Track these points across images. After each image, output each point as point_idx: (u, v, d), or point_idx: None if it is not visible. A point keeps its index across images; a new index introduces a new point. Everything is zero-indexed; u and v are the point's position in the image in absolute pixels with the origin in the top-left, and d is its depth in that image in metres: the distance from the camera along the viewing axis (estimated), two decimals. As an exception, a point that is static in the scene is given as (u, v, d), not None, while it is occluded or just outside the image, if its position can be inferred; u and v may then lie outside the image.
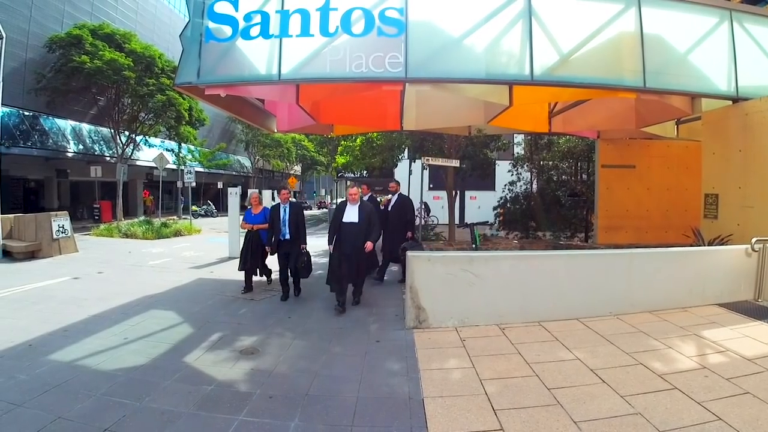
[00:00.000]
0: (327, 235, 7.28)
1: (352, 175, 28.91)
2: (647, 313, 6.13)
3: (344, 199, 7.66)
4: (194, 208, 29.63)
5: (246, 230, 8.15)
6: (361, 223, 6.76)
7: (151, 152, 25.12)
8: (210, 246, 15.05)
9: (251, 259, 7.96)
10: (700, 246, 7.86)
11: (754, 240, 6.61)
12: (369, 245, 6.80)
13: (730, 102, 7.85)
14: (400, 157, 18.22)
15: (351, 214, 6.85)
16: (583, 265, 6.37)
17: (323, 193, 66.07)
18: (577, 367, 4.49)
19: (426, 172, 16.48)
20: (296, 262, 7.34)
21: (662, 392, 3.87)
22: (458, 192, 17.56)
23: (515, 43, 6.92)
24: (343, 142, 21.15)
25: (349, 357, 4.95)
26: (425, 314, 5.79)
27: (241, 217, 8.77)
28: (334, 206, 9.44)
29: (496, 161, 19.13)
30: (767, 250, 6.67)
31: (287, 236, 7.41)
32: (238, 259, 8.28)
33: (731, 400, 3.68)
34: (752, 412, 3.48)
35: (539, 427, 3.38)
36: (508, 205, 16.73)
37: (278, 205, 7.55)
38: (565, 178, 17.31)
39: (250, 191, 9.65)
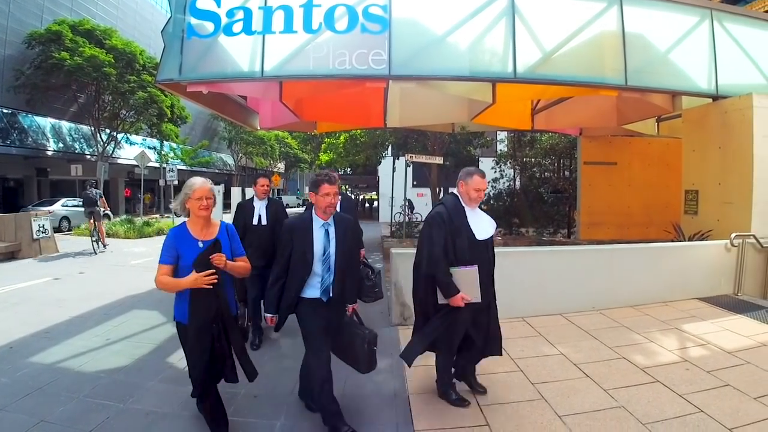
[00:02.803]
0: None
1: (336, 173, 28.80)
2: (629, 308, 6.22)
3: (444, 196, 4.24)
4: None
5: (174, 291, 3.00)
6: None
7: (133, 150, 24.68)
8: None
9: (212, 363, 3.06)
10: (680, 241, 8.00)
11: (733, 235, 6.75)
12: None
13: (710, 100, 7.98)
14: (383, 154, 18.22)
15: (484, 227, 3.63)
16: (566, 260, 6.44)
17: (307, 191, 65.25)
18: (561, 362, 4.54)
19: (410, 169, 16.49)
20: (352, 345, 3.45)
21: (644, 385, 3.94)
22: (442, 189, 17.61)
23: (498, 40, 6.95)
24: (326, 139, 21.11)
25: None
26: (410, 311, 5.77)
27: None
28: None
29: (480, 158, 19.23)
30: (746, 246, 6.81)
31: (331, 293, 3.28)
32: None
33: (712, 392, 3.76)
34: (732, 403, 3.55)
35: (524, 422, 3.41)
36: (492, 201, 16.79)
37: (308, 220, 3.28)
38: (547, 174, 17.44)
39: (186, 180, 3.23)
